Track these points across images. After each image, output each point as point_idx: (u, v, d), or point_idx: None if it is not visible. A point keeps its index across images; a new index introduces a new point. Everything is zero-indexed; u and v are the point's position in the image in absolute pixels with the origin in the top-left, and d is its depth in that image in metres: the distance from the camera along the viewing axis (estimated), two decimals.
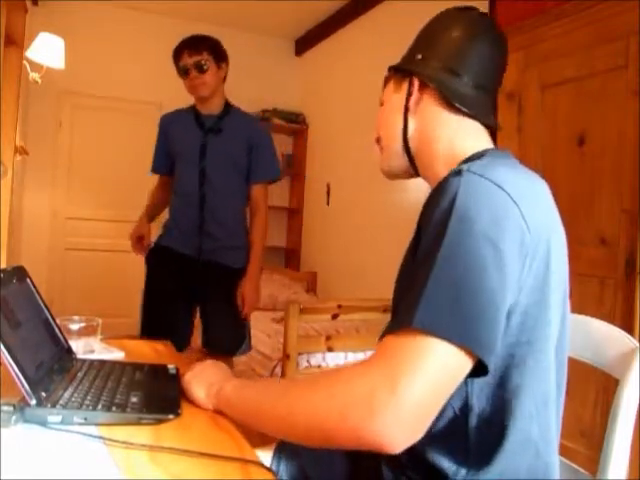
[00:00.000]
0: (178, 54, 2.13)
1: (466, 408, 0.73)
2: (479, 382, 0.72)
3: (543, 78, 2.41)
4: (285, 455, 1.00)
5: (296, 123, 5.11)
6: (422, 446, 0.71)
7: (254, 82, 5.12)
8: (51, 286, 4.21)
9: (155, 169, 2.32)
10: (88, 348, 1.17)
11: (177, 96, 2.24)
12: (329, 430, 0.67)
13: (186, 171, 2.16)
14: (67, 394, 0.83)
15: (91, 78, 4.50)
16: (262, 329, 3.45)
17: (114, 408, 0.81)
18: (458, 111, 0.86)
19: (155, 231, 2.26)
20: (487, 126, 0.90)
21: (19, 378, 0.75)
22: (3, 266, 2.56)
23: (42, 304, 1.01)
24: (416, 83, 0.89)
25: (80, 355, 1.09)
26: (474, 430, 0.73)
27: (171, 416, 0.82)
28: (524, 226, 0.70)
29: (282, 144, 5.26)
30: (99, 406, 0.81)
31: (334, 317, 2.65)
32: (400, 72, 0.93)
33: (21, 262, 3.77)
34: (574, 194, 2.23)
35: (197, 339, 2.30)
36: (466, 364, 0.65)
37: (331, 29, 4.67)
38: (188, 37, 2.15)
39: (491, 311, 0.65)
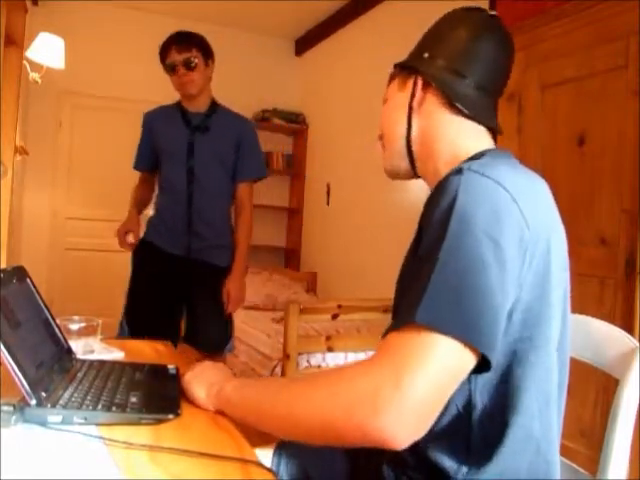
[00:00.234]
0: (166, 50, 2.09)
1: (469, 405, 0.73)
2: (482, 379, 0.72)
3: (543, 78, 2.41)
4: (285, 455, 1.00)
5: (296, 123, 5.11)
6: (424, 444, 0.71)
7: (254, 82, 5.12)
8: (51, 286, 4.21)
9: (137, 166, 2.29)
10: (88, 348, 1.17)
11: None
12: (334, 428, 0.67)
13: (173, 169, 2.14)
14: (67, 394, 0.83)
15: (91, 78, 4.50)
16: (262, 329, 3.46)
17: (114, 408, 0.81)
18: (460, 112, 0.86)
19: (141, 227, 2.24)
20: (489, 128, 0.90)
21: (19, 378, 0.75)
22: (3, 266, 2.56)
23: (42, 304, 1.01)
24: (419, 82, 0.89)
25: (80, 355, 1.09)
26: (477, 427, 0.73)
27: (171, 416, 0.82)
28: (523, 223, 0.70)
29: (282, 144, 5.26)
30: (99, 406, 0.81)
31: (334, 317, 2.65)
32: (406, 70, 0.93)
33: (21, 262, 3.77)
34: (574, 194, 2.23)
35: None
36: (469, 360, 0.66)
37: (331, 29, 4.68)
38: (175, 33, 2.12)
39: (493, 306, 0.66)
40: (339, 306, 2.63)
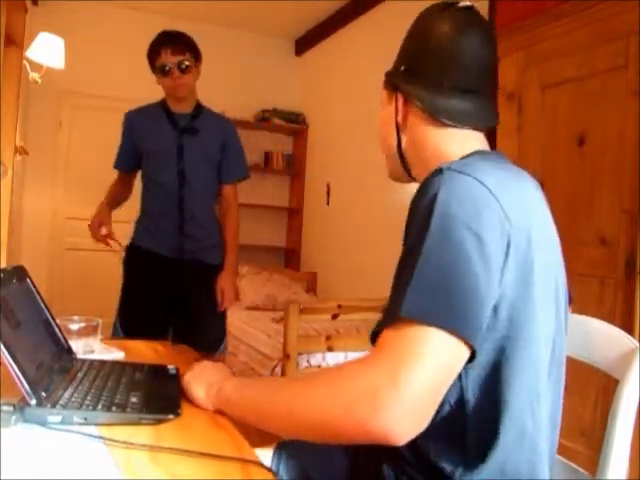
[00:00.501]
0: (156, 51, 2.04)
1: (462, 402, 0.74)
2: (473, 375, 0.73)
3: (543, 78, 2.41)
4: (285, 454, 1.00)
5: (296, 123, 5.11)
6: (421, 442, 0.72)
7: (254, 82, 5.12)
8: (51, 286, 4.21)
9: (118, 165, 2.25)
10: (88, 348, 1.17)
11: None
12: (334, 426, 0.68)
13: (163, 171, 2.12)
14: (67, 394, 0.83)
15: (91, 78, 4.50)
16: (262, 329, 3.46)
17: (114, 408, 0.81)
18: (444, 123, 0.87)
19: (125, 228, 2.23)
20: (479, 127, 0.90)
21: (19, 378, 0.75)
22: (3, 266, 2.56)
23: (42, 304, 1.02)
24: (400, 100, 0.91)
25: (80, 355, 1.09)
26: (470, 425, 0.74)
27: (171, 416, 0.82)
28: (503, 216, 0.72)
29: (282, 144, 5.26)
30: (99, 406, 0.81)
31: (334, 317, 2.65)
32: (389, 85, 0.94)
33: (21, 262, 3.77)
34: (574, 194, 2.22)
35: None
36: (462, 351, 0.68)
37: (331, 29, 4.68)
38: (163, 33, 2.08)
39: (477, 296, 0.67)
40: (339, 306, 2.63)
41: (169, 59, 2.02)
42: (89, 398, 0.83)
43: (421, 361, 0.65)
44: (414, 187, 0.87)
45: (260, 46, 5.16)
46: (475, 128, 0.89)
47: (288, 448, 1.01)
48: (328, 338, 2.66)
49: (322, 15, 4.65)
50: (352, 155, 4.27)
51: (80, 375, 0.95)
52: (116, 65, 4.53)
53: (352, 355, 2.92)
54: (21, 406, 0.75)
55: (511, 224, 0.72)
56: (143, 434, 0.76)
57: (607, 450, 0.85)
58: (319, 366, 2.85)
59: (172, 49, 2.02)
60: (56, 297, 4.12)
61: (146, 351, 1.31)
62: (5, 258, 3.10)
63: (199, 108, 2.19)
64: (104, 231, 2.01)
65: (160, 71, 2.05)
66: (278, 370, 2.84)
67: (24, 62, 3.29)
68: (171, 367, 1.06)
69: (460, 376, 0.72)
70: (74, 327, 1.15)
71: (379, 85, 1.00)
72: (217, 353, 2.22)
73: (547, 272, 0.78)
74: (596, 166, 2.16)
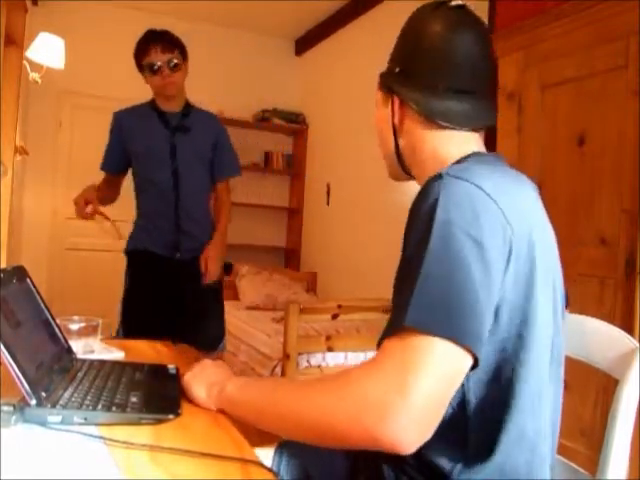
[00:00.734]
0: (144, 50, 2.04)
1: (463, 403, 0.74)
2: (475, 377, 0.73)
3: (543, 78, 2.41)
4: (286, 455, 1.01)
5: (296, 123, 5.11)
6: (423, 444, 0.72)
7: (254, 82, 5.12)
8: (51, 286, 4.21)
9: (106, 167, 2.22)
10: (88, 348, 1.17)
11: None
12: (340, 432, 0.68)
13: (157, 171, 2.11)
14: (67, 394, 0.83)
15: (91, 78, 4.50)
16: (262, 329, 3.46)
17: (114, 408, 0.81)
18: (440, 125, 0.87)
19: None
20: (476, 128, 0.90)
21: (19, 378, 0.75)
22: (3, 266, 2.56)
23: (42, 304, 1.02)
24: (397, 102, 0.91)
25: (80, 355, 1.09)
26: (472, 426, 0.74)
27: (171, 416, 0.82)
28: (504, 221, 0.72)
29: (282, 144, 5.26)
30: (99, 406, 0.81)
31: (334, 317, 2.65)
32: (384, 87, 0.94)
33: (21, 262, 3.77)
34: (574, 194, 2.22)
35: None
36: (465, 359, 0.68)
37: (331, 29, 4.68)
38: (151, 32, 2.07)
39: (478, 304, 0.68)
40: (339, 306, 2.63)
41: (158, 57, 2.02)
42: (89, 398, 0.83)
43: (426, 370, 0.65)
44: (414, 187, 0.88)
45: (260, 46, 5.16)
46: (473, 129, 0.89)
47: (289, 448, 1.01)
48: (328, 338, 2.66)
49: (322, 15, 4.65)
50: (352, 155, 4.27)
51: (80, 375, 0.95)
52: (116, 65, 4.53)
53: (352, 355, 2.92)
54: (21, 406, 0.75)
55: (513, 229, 0.73)
56: (143, 434, 0.76)
57: (607, 450, 0.85)
58: (319, 366, 2.84)
59: (161, 47, 2.02)
60: (56, 297, 4.12)
61: (146, 351, 1.31)
62: (5, 258, 3.10)
63: (188, 107, 2.19)
64: (90, 209, 1.94)
65: (149, 69, 2.05)
66: (278, 370, 2.84)
67: (24, 62, 3.28)
68: (171, 367, 1.06)
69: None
70: (74, 327, 1.15)
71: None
72: (216, 352, 2.22)
73: (546, 274, 0.78)
74: (596, 166, 2.16)
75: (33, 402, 0.76)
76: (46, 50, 3.46)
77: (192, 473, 0.67)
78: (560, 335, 0.83)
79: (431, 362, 0.65)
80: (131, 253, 2.19)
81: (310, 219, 5.03)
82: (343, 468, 0.95)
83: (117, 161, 2.20)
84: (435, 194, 0.72)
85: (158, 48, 2.01)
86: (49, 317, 1.02)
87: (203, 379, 0.90)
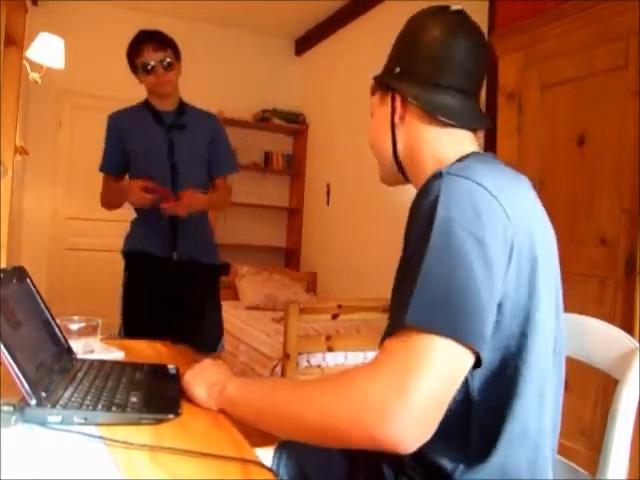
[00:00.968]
0: (138, 49, 2.04)
1: (466, 402, 0.74)
2: (478, 375, 0.73)
3: (543, 78, 2.41)
4: (286, 455, 1.01)
5: (296, 123, 5.11)
6: (424, 443, 0.72)
7: (254, 82, 5.12)
8: (51, 286, 4.21)
9: (106, 168, 2.23)
10: (88, 348, 1.17)
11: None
12: (341, 432, 0.68)
13: (154, 170, 2.09)
14: (67, 394, 0.83)
15: (91, 78, 4.50)
16: (262, 329, 3.46)
17: (114, 408, 0.81)
18: (441, 122, 0.87)
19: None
20: (474, 128, 0.91)
21: (19, 378, 0.75)
22: (3, 266, 2.56)
23: (42, 304, 1.02)
24: (398, 99, 0.91)
25: (80, 355, 1.09)
26: (474, 424, 0.74)
27: (171, 416, 0.82)
28: (505, 218, 0.72)
29: (282, 144, 5.26)
30: (99, 406, 0.81)
31: (334, 317, 2.65)
32: (383, 85, 0.94)
33: (21, 262, 3.77)
34: (574, 194, 2.22)
35: None
36: (467, 358, 0.68)
37: (331, 29, 4.68)
38: (143, 32, 2.08)
39: (479, 302, 0.67)
40: (339, 306, 2.63)
41: (151, 56, 2.02)
42: (89, 398, 0.83)
43: (427, 370, 0.65)
44: (414, 187, 0.88)
45: (260, 46, 5.16)
46: (470, 129, 0.90)
47: (288, 448, 1.02)
48: (328, 338, 2.66)
49: (322, 15, 4.65)
50: (352, 155, 4.27)
51: (80, 375, 0.95)
52: (116, 65, 4.49)
53: (352, 355, 2.92)
54: (21, 406, 0.75)
55: (514, 227, 0.73)
56: (143, 434, 0.76)
57: (607, 450, 0.85)
58: (319, 366, 2.84)
59: (154, 46, 2.02)
60: (56, 297, 4.12)
61: (146, 351, 1.31)
62: (5, 258, 3.10)
63: (183, 105, 2.19)
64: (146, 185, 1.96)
65: (142, 69, 2.05)
66: (278, 370, 2.84)
67: (24, 62, 3.29)
68: (171, 367, 1.06)
69: (465, 376, 0.72)
70: (74, 327, 1.15)
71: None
72: (215, 353, 2.21)
73: (548, 273, 0.78)
74: (596, 166, 2.16)
75: (33, 402, 0.76)
76: (46, 50, 3.46)
77: (192, 473, 0.67)
78: (562, 333, 0.83)
79: (432, 362, 0.65)
80: (128, 254, 2.19)
81: (310, 219, 5.03)
82: (342, 468, 0.96)
83: (117, 162, 2.20)
84: (436, 192, 0.72)
85: (150, 48, 2.02)
86: (49, 317, 1.02)
87: (203, 379, 0.90)
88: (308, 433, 0.73)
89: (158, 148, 2.11)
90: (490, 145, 2.64)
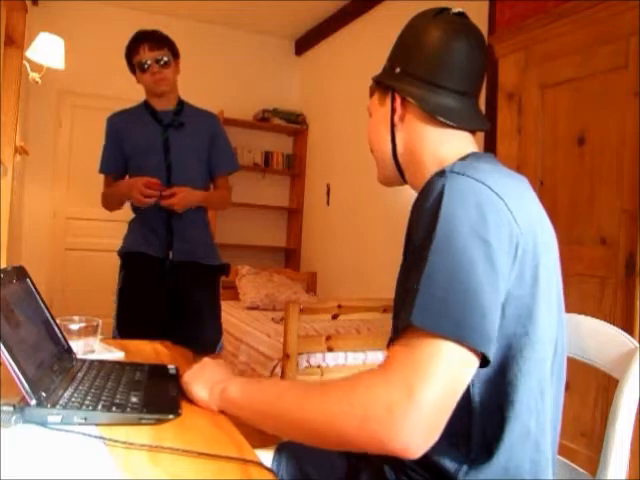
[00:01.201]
0: (134, 49, 2.06)
1: (468, 401, 0.74)
2: (479, 374, 0.73)
3: (543, 78, 2.41)
4: (286, 455, 1.00)
5: (296, 123, 5.11)
6: None
7: (254, 82, 5.12)
8: (51, 286, 4.21)
9: (105, 169, 2.23)
10: (88, 348, 1.17)
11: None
12: (347, 436, 0.68)
13: (151, 168, 2.09)
14: (67, 394, 0.83)
15: (91, 78, 4.50)
16: (262, 329, 3.45)
17: (114, 408, 0.81)
18: (441, 123, 0.87)
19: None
20: (474, 129, 0.92)
21: (19, 378, 0.75)
22: (3, 266, 2.56)
23: (42, 304, 1.02)
24: (398, 99, 0.91)
25: (80, 355, 1.09)
26: (476, 424, 0.74)
27: (171, 416, 0.82)
28: (511, 218, 0.72)
29: (282, 144, 5.27)
30: (99, 406, 0.81)
31: (334, 317, 2.65)
32: (382, 85, 0.94)
33: (21, 262, 3.77)
34: (574, 194, 2.22)
35: None
36: (472, 360, 0.68)
37: (331, 29, 4.68)
38: (141, 32, 2.10)
39: (484, 303, 0.67)
40: (339, 306, 2.63)
41: (147, 55, 2.04)
42: (89, 398, 0.83)
43: (433, 374, 0.65)
44: (411, 188, 0.88)
45: (260, 46, 5.16)
46: (469, 130, 0.90)
47: (289, 449, 1.01)
48: (328, 338, 2.66)
49: (322, 15, 4.65)
50: (352, 155, 4.27)
51: (80, 375, 0.95)
52: (116, 65, 4.50)
53: (352, 355, 2.92)
54: (21, 406, 0.75)
55: (519, 226, 0.72)
56: (143, 434, 0.76)
57: (607, 450, 0.85)
58: (319, 366, 2.84)
59: (150, 45, 2.04)
60: (56, 297, 4.12)
61: (146, 351, 1.31)
62: (5, 258, 3.10)
63: (181, 104, 2.19)
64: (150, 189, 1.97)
65: (139, 68, 2.07)
66: (278, 370, 2.84)
67: (24, 62, 3.28)
68: (171, 367, 1.06)
69: None
70: (74, 327, 1.15)
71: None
72: (214, 354, 2.21)
73: (550, 272, 0.78)
74: (596, 166, 2.16)
75: (33, 402, 0.76)
76: (46, 50, 3.46)
77: (192, 473, 0.67)
78: (563, 334, 0.83)
79: (439, 365, 0.65)
80: (125, 255, 2.18)
81: (310, 219, 5.03)
82: (343, 468, 0.95)
83: (115, 163, 2.20)
84: (439, 191, 0.72)
85: (147, 46, 2.04)
86: (49, 317, 1.02)
87: (204, 379, 0.90)
88: (313, 436, 0.72)
89: (154, 147, 2.10)
90: (490, 145, 2.64)
